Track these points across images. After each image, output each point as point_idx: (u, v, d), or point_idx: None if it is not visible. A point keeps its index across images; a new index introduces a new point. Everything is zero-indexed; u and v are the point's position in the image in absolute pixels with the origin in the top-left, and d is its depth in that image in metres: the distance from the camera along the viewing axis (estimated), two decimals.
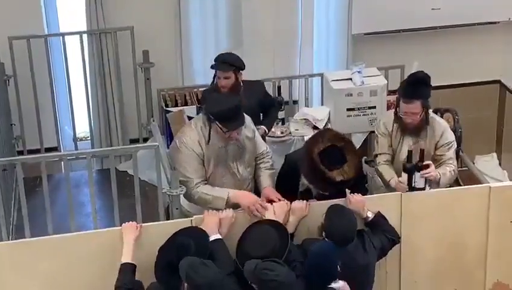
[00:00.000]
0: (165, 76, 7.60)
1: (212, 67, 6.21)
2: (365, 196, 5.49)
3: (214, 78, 6.23)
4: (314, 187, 5.48)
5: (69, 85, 7.45)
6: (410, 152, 5.54)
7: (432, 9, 7.87)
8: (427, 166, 5.52)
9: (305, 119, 7.09)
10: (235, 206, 5.40)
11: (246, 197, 5.43)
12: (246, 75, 6.32)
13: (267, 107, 6.54)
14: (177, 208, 5.52)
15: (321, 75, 7.41)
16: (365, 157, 6.79)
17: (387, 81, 7.15)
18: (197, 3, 7.56)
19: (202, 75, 7.50)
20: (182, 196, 5.52)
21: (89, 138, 7.83)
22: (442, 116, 6.30)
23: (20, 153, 7.43)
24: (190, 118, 6.34)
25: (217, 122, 5.41)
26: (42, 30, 7.48)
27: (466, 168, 6.54)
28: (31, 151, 7.40)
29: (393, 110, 5.92)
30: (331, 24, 7.86)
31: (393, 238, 5.42)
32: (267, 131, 6.45)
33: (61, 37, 7.41)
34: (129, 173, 7.21)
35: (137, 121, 7.66)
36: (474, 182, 6.24)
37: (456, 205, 5.58)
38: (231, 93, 5.98)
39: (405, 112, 5.76)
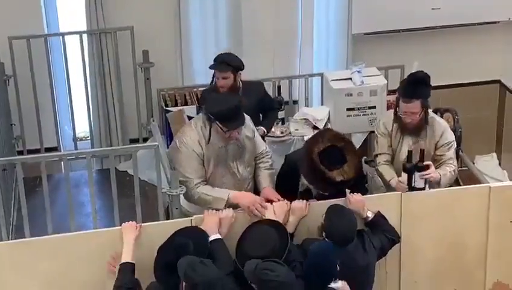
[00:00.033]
0: (165, 76, 7.59)
1: (210, 67, 6.21)
2: (365, 196, 5.48)
3: (212, 78, 6.24)
4: (314, 187, 5.48)
5: (69, 85, 7.45)
6: (410, 152, 5.54)
7: (432, 9, 7.86)
8: (427, 167, 5.52)
9: (305, 119, 7.08)
10: (235, 206, 5.40)
11: (245, 197, 5.43)
12: (245, 75, 6.32)
13: (267, 107, 6.54)
14: (176, 208, 5.51)
15: (321, 75, 7.41)
16: (365, 157, 6.77)
17: (387, 81, 7.14)
18: (197, 3, 7.56)
19: (202, 75, 7.48)
20: (181, 195, 5.52)
21: (88, 138, 7.83)
22: (442, 116, 6.30)
23: (20, 153, 7.43)
24: (190, 118, 6.33)
25: (217, 122, 5.40)
26: (42, 30, 7.47)
27: (466, 168, 6.54)
28: (30, 151, 7.40)
29: (393, 110, 5.92)
30: (331, 24, 7.86)
31: (393, 238, 5.42)
32: (266, 132, 6.45)
33: (61, 37, 7.41)
34: (129, 172, 7.21)
35: (137, 121, 7.66)
36: (474, 182, 6.24)
37: (456, 205, 5.58)
38: (231, 93, 5.99)
39: (405, 112, 5.76)
